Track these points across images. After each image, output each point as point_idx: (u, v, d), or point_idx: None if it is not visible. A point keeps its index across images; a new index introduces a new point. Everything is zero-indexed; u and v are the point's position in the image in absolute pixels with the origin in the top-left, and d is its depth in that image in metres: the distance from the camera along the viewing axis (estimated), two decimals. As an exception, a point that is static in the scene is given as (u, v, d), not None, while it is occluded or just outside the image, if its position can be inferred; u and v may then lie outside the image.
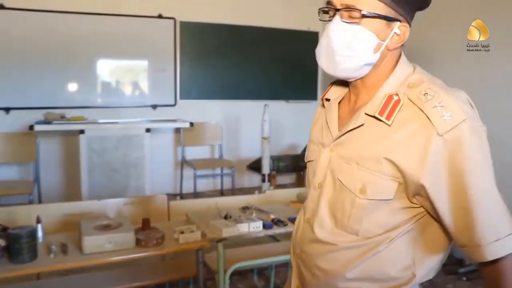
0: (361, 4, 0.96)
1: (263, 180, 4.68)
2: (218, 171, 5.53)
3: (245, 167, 5.51)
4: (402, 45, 1.03)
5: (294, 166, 5.34)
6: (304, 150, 4.87)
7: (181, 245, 2.04)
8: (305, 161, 1.22)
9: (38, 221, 2.04)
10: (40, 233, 2.01)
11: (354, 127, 1.02)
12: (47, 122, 4.00)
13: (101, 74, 4.97)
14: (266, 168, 4.62)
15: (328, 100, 1.18)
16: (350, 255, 1.02)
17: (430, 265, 1.03)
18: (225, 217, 2.32)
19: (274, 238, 2.83)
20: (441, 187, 0.92)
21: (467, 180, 0.90)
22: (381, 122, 0.97)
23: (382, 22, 0.98)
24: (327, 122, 1.13)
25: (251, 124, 5.45)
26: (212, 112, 5.51)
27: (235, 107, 5.66)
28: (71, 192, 4.59)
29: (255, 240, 2.73)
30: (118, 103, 5.00)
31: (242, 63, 5.59)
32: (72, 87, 4.84)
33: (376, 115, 0.98)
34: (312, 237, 1.09)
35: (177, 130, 5.25)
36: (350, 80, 1.07)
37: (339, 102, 1.14)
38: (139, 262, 2.37)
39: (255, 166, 5.21)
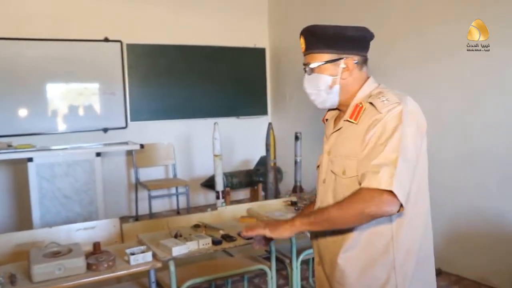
0: (312, 60, 1.46)
1: (217, 197, 4.74)
2: (173, 190, 5.56)
3: (199, 185, 5.57)
4: (363, 67, 1.48)
5: (248, 181, 5.44)
6: (257, 165, 4.99)
7: (133, 266, 2.08)
8: (316, 167, 1.63)
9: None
10: (-13, 266, 2.00)
11: (336, 129, 1.50)
12: (-8, 151, 3.92)
13: (50, 99, 4.94)
14: (219, 185, 4.68)
15: (327, 120, 1.63)
16: None
17: None
18: (175, 236, 2.38)
19: (228, 254, 2.90)
20: (370, 138, 1.33)
21: (385, 138, 1.30)
22: (352, 123, 1.41)
23: (328, 65, 1.44)
24: (326, 135, 1.58)
25: (203, 142, 5.52)
26: (163, 132, 5.55)
27: (186, 126, 5.73)
28: (22, 221, 4.49)
29: (210, 257, 2.79)
30: (69, 128, 4.98)
31: (191, 82, 5.68)
32: (22, 113, 4.79)
33: (348, 119, 1.43)
34: None
35: (129, 152, 5.26)
36: (334, 108, 1.55)
37: (335, 120, 1.57)
38: (92, 287, 2.38)
39: (209, 183, 5.27)
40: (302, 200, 3.26)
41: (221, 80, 5.87)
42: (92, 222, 2.89)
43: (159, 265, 2.12)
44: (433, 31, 3.74)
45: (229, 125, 5.65)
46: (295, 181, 4.89)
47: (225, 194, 4.87)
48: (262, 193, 5.36)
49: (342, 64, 1.44)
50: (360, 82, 1.48)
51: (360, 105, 1.41)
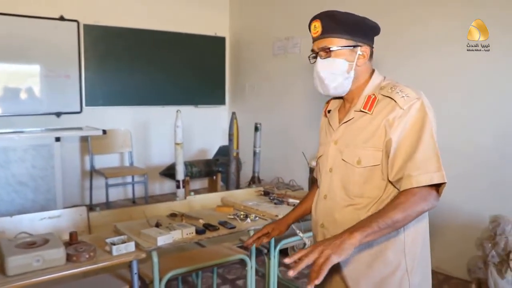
0: (330, 44, 1.44)
1: (178, 186, 4.64)
2: (129, 179, 5.37)
3: (157, 174, 5.42)
4: (371, 59, 1.50)
5: (207, 170, 5.36)
6: (216, 154, 4.93)
7: (115, 257, 1.98)
8: (317, 157, 1.65)
9: None
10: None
11: (346, 120, 1.49)
12: None
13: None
14: (180, 174, 4.58)
15: (329, 111, 1.64)
16: (360, 212, 1.41)
17: None
18: (156, 225, 2.30)
19: (199, 245, 2.85)
20: (400, 136, 1.34)
21: (416, 133, 1.33)
22: (365, 113, 1.43)
23: (346, 50, 1.44)
24: (331, 125, 1.58)
25: (161, 130, 5.39)
26: (120, 118, 5.35)
27: (144, 113, 5.55)
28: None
29: (183, 248, 2.72)
30: (19, 110, 4.64)
31: (150, 69, 5.50)
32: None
33: (361, 109, 1.44)
34: (333, 206, 1.49)
35: (84, 138, 5.02)
36: (343, 95, 1.52)
37: (338, 110, 1.59)
38: (67, 279, 2.24)
39: (169, 172, 5.15)
40: (274, 190, 3.26)
41: (180, 67, 5.72)
42: (57, 211, 2.72)
43: (143, 255, 2.03)
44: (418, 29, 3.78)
45: (187, 113, 5.50)
46: (253, 172, 4.88)
47: (185, 183, 4.79)
48: (221, 183, 5.31)
49: (359, 50, 1.44)
50: (368, 73, 1.51)
51: (373, 96, 1.43)
